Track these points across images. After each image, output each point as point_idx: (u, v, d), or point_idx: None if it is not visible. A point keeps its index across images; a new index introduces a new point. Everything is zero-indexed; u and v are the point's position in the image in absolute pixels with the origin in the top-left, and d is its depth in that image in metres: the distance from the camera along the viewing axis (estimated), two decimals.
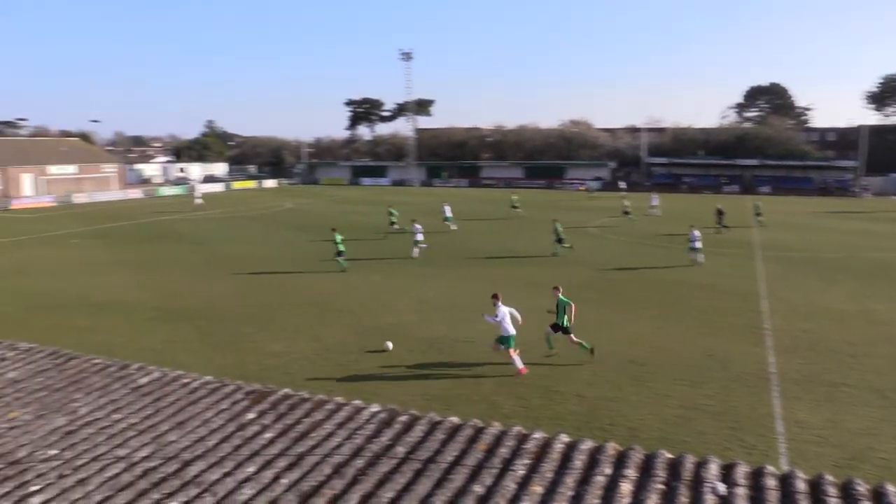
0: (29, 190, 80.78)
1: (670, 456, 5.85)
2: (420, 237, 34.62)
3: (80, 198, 76.94)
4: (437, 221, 46.82)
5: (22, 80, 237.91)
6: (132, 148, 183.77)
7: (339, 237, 31.27)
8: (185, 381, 9.81)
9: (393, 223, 43.48)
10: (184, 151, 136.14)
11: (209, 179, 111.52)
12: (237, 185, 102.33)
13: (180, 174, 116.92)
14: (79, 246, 40.33)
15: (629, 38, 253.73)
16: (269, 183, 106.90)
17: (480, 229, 46.11)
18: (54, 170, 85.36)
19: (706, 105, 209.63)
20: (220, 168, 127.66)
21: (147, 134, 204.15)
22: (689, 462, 5.75)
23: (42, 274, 30.79)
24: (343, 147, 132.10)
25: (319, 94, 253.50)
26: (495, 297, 16.63)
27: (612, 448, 6.19)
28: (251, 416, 9.09)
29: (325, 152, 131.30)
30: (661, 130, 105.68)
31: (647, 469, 5.71)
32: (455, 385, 15.67)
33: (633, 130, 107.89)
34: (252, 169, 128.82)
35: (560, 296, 17.59)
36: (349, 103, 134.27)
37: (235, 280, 29.05)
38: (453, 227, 45.17)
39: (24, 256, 36.13)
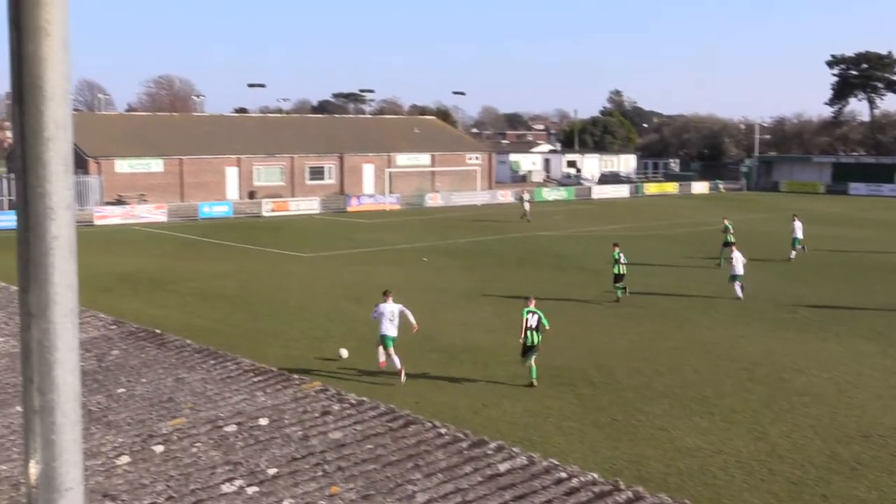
0: (370, 186, 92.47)
1: None
2: (740, 269, 35.29)
3: (433, 199, 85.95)
4: None
5: (372, 43, 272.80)
6: (505, 132, 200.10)
7: (621, 257, 35.26)
8: (561, 475, 10.17)
9: (729, 242, 43.60)
10: (575, 137, 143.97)
11: (609, 179, 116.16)
12: (651, 188, 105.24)
13: (570, 170, 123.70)
14: (429, 266, 45.11)
15: None
16: (698, 186, 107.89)
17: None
18: (403, 160, 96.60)
19: None
20: (628, 162, 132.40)
21: (526, 111, 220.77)
22: None
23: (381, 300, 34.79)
24: (821, 132, 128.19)
25: (789, 51, 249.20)
26: (386, 293, 24.55)
27: None
28: None
29: (789, 141, 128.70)
30: None
31: None
32: None
33: None
34: (673, 165, 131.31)
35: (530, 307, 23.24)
36: (835, 63, 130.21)
37: (645, 330, 29.80)
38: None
39: (364, 275, 41.45)
